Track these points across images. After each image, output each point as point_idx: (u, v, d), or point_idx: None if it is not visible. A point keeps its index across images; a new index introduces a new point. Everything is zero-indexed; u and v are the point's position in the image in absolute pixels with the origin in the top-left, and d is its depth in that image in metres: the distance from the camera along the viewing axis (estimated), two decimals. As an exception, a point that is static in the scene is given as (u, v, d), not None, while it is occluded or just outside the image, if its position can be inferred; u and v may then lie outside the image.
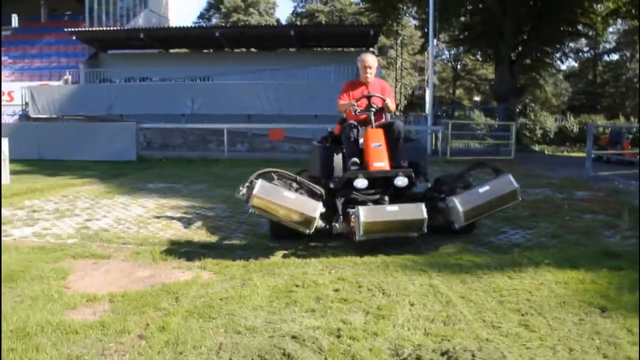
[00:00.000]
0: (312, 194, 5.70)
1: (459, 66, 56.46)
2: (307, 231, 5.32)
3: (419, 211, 5.29)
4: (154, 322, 3.72)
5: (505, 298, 4.13)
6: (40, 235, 6.58)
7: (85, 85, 23.24)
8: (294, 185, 5.73)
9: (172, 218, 7.63)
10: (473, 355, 2.98)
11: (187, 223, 7.26)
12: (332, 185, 6.10)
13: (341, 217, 5.67)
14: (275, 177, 5.74)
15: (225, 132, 17.98)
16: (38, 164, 15.49)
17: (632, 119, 43.95)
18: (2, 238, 6.20)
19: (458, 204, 5.34)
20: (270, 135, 18.27)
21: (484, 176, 6.21)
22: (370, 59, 6.70)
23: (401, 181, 5.73)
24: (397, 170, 5.85)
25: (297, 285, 4.48)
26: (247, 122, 19.98)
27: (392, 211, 5.33)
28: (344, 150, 6.32)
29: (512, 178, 5.50)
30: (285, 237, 5.99)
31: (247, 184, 5.40)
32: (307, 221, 5.27)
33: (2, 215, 7.27)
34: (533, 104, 52.13)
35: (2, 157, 11.09)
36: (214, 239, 6.40)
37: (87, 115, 20.81)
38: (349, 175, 5.82)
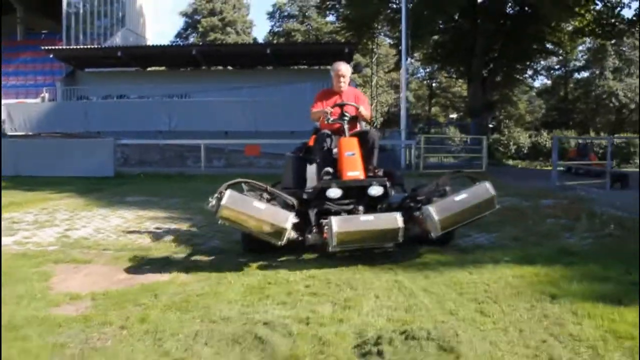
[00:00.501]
0: (284, 205, 5.56)
1: (434, 84, 57.33)
2: (279, 242, 5.17)
3: (394, 220, 5.17)
4: (134, 315, 3.95)
5: (464, 290, 4.43)
6: (21, 243, 6.74)
7: (62, 103, 23.35)
8: (265, 195, 5.55)
9: (150, 227, 7.83)
10: (428, 333, 3.27)
11: (165, 232, 7.46)
12: (305, 196, 5.93)
13: (314, 228, 5.51)
14: (246, 188, 5.62)
15: (202, 147, 18.21)
16: (14, 180, 15.47)
17: (601, 133, 45.13)
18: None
19: (434, 212, 5.14)
20: (246, 151, 18.54)
21: (460, 187, 6.14)
22: (344, 68, 6.64)
23: (375, 190, 5.60)
24: (372, 179, 5.74)
25: (269, 283, 4.74)
26: (224, 138, 20.21)
27: (366, 221, 5.20)
28: (317, 160, 6.19)
29: (489, 185, 5.43)
30: (258, 249, 5.78)
31: (216, 195, 5.24)
32: (278, 232, 5.12)
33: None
34: (507, 121, 53.21)
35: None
36: (191, 245, 6.59)
37: (64, 132, 20.87)
38: (322, 185, 5.68)
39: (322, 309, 4.00)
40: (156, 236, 7.16)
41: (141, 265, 5.66)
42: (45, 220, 8.39)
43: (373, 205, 5.68)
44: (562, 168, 20.78)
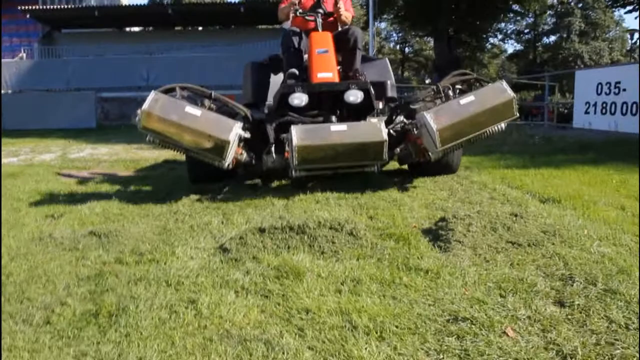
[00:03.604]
0: (232, 116, 4.21)
1: (406, 49, 58.22)
2: (223, 163, 3.90)
3: (376, 131, 3.92)
4: (136, 178, 5.01)
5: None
6: (25, 160, 7.70)
7: (42, 60, 23.81)
8: (208, 103, 4.15)
9: (137, 152, 8.82)
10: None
11: (151, 154, 8.44)
12: (265, 110, 4.78)
13: (273, 146, 4.31)
14: (182, 94, 4.14)
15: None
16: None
17: (567, 95, 46.62)
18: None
19: (431, 120, 3.83)
20: (221, 101, 19.31)
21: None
22: None
23: (354, 96, 4.26)
24: (348, 82, 4.38)
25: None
26: (200, 92, 20.93)
27: (339, 131, 3.92)
28: (284, 64, 4.81)
29: (505, 85, 4.07)
30: (204, 178, 4.68)
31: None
32: (219, 147, 3.83)
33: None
34: (478, 84, 54.32)
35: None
36: (176, 159, 7.61)
37: (45, 89, 21.44)
38: (284, 90, 4.34)
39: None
40: (144, 156, 8.14)
41: (134, 167, 6.67)
42: (42, 150, 9.34)
43: (354, 119, 4.40)
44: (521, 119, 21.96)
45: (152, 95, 3.91)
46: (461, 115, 3.86)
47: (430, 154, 3.99)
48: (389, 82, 4.94)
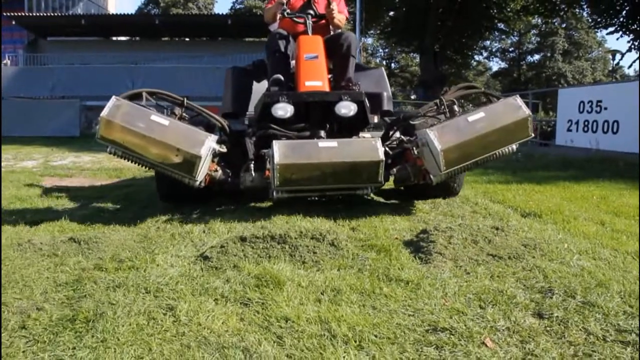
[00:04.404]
0: (210, 127, 3.85)
1: (393, 64, 58.68)
2: (194, 182, 3.47)
3: (372, 149, 3.53)
4: (118, 189, 4.98)
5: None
6: (6, 167, 7.61)
7: (26, 67, 23.61)
8: (179, 111, 3.73)
9: (120, 161, 8.73)
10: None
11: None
12: (246, 122, 4.35)
13: (252, 163, 3.84)
14: (149, 99, 3.73)
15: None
16: (-19, 139, 16.05)
17: (550, 113, 47.22)
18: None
19: (435, 138, 3.38)
20: (205, 112, 19.30)
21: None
22: None
23: (346, 108, 3.84)
24: (340, 92, 3.96)
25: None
26: (186, 102, 20.89)
27: (328, 148, 3.51)
28: (268, 70, 4.38)
29: (519, 101, 3.58)
30: (174, 196, 4.17)
31: None
32: (189, 163, 3.40)
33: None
34: (462, 100, 54.89)
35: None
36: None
37: (28, 97, 21.27)
38: (266, 99, 3.87)
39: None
40: (126, 164, 8.05)
41: (117, 176, 6.65)
42: (24, 157, 9.26)
43: (346, 134, 4.01)
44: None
45: (112, 101, 3.44)
46: (469, 134, 3.38)
47: (432, 176, 3.53)
48: (385, 94, 4.55)
